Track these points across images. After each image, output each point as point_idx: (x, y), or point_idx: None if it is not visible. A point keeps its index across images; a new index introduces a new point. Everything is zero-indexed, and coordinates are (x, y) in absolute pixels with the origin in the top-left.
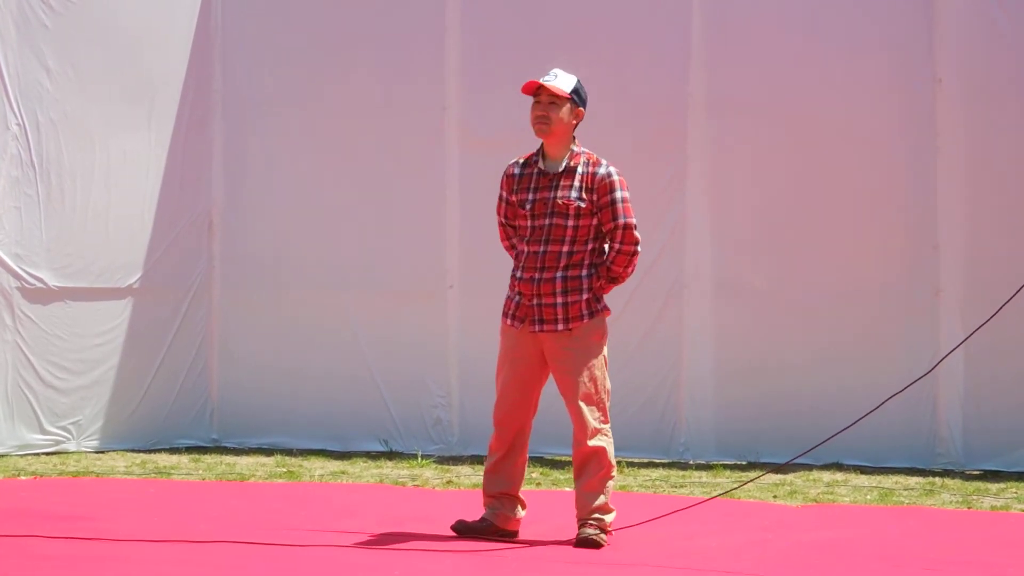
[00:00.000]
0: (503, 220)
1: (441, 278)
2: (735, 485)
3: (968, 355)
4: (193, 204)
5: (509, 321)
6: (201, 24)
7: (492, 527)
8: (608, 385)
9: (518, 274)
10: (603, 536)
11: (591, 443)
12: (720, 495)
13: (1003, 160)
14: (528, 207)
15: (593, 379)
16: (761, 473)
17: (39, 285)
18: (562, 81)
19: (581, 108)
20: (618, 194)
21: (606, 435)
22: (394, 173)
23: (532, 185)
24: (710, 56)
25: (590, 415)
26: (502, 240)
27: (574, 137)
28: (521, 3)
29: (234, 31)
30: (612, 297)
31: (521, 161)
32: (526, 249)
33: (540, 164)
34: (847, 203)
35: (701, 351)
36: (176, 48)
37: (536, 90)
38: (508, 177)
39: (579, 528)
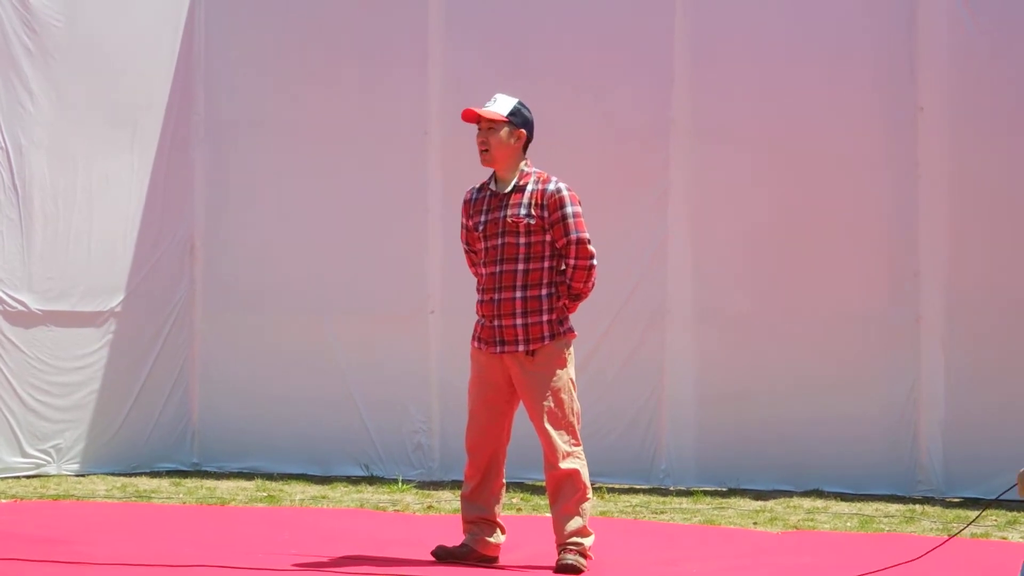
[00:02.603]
0: (465, 247)
1: (423, 303)
2: (968, 521)
3: (949, 383)
4: (175, 228)
5: (476, 344)
6: (184, 48)
7: (472, 552)
8: (577, 407)
9: (479, 296)
10: (583, 561)
11: (563, 466)
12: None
13: (985, 188)
14: (481, 228)
15: (559, 402)
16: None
17: (20, 308)
18: (500, 105)
19: (522, 129)
20: (569, 209)
21: (578, 457)
22: (376, 198)
23: (485, 207)
24: (693, 83)
25: (559, 438)
26: (469, 267)
27: (526, 158)
28: (503, 29)
29: (217, 56)
30: (593, 322)
31: (477, 187)
32: (484, 271)
33: (492, 186)
34: (829, 230)
35: (682, 377)
36: (159, 72)
37: (477, 118)
38: (465, 203)
39: (559, 554)
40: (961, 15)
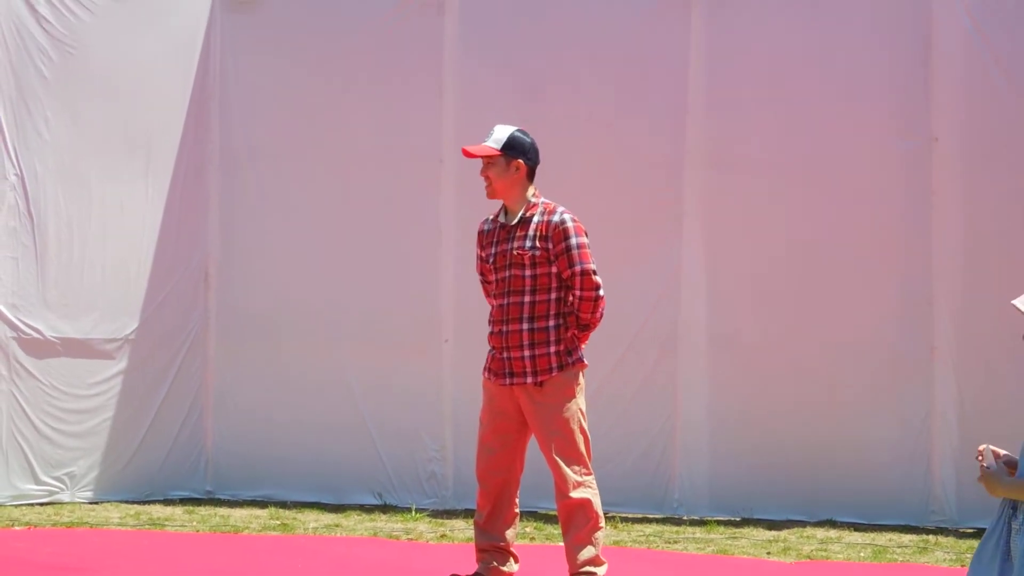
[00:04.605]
0: (481, 277)
1: (436, 331)
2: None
3: (962, 413)
4: (189, 256)
5: (487, 375)
6: (199, 76)
7: None
8: (587, 437)
9: (490, 328)
10: None
11: (574, 495)
12: None
13: (998, 218)
14: (491, 261)
15: (569, 432)
16: None
17: (35, 335)
18: (495, 138)
19: (518, 159)
20: (573, 240)
21: (589, 487)
22: (390, 226)
23: (495, 239)
24: (707, 112)
25: (568, 468)
26: (486, 297)
27: (533, 188)
28: (517, 57)
29: (232, 84)
30: (606, 350)
31: (490, 217)
32: (494, 303)
33: (501, 218)
34: (842, 259)
35: (695, 405)
36: (174, 100)
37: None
38: (479, 234)
39: None
40: (976, 45)
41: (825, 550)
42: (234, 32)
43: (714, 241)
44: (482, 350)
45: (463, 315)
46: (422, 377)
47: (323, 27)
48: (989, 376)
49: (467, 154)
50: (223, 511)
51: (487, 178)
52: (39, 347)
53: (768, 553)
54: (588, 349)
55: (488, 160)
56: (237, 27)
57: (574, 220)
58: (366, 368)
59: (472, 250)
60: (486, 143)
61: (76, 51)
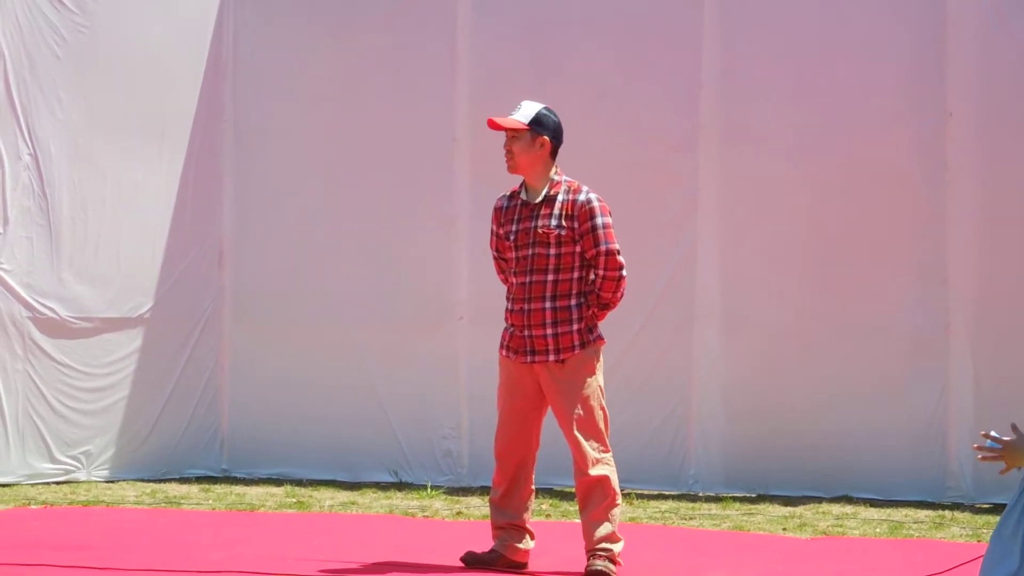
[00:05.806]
0: (495, 254)
1: (451, 309)
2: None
3: (978, 390)
4: (204, 235)
5: (505, 352)
6: (212, 56)
7: (501, 558)
8: (605, 414)
9: (509, 306)
10: (612, 567)
11: (593, 472)
12: None
13: (1013, 195)
14: (512, 238)
15: (589, 409)
16: None
17: (50, 315)
18: (522, 112)
19: (544, 136)
20: (599, 220)
21: (608, 464)
22: (404, 204)
23: (516, 216)
24: (722, 89)
25: (588, 445)
26: (498, 273)
27: (555, 166)
28: (530, 36)
29: (245, 63)
30: (621, 328)
31: (508, 194)
32: (514, 280)
33: (522, 196)
34: (857, 237)
35: (710, 383)
36: (187, 79)
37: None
38: (496, 211)
39: (588, 560)
40: (990, 21)
41: (841, 526)
42: (246, 11)
43: (728, 220)
44: (497, 328)
45: (478, 293)
46: (437, 355)
47: (335, 5)
48: (1004, 353)
49: (493, 125)
50: (239, 489)
51: (510, 152)
52: (54, 326)
53: (784, 529)
54: (604, 327)
55: (513, 134)
56: (249, 6)
57: (599, 200)
58: (381, 346)
59: (486, 225)
60: (513, 116)
61: (89, 32)
